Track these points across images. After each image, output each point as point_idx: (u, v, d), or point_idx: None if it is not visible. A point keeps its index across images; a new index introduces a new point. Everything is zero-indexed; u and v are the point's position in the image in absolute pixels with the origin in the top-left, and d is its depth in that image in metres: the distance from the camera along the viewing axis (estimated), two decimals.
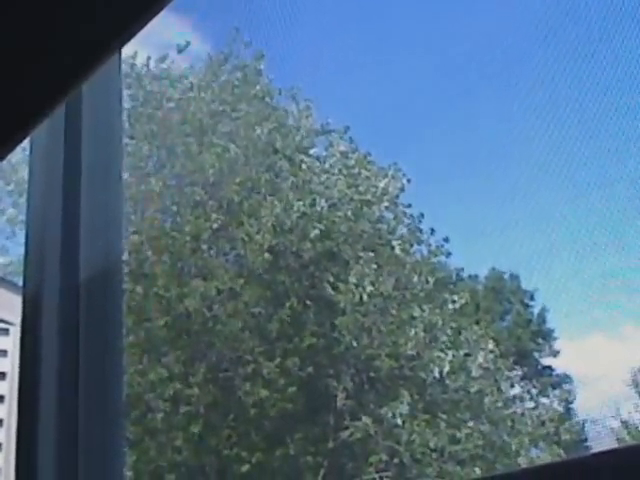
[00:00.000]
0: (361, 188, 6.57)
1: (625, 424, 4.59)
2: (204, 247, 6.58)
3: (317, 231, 6.38)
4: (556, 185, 4.36)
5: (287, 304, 6.26)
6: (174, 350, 6.22)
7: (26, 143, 2.13)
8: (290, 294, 6.37)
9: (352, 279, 6.22)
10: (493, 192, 5.54)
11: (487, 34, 5.18)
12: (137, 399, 6.07)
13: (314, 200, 6.46)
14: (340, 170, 6.66)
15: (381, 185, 6.55)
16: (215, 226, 6.51)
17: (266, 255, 6.33)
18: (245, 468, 5.95)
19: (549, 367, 6.48)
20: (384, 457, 5.86)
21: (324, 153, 6.91)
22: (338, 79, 6.46)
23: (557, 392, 6.23)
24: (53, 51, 1.38)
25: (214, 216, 6.53)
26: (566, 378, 6.24)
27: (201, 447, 6.06)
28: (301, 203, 6.41)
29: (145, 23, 1.36)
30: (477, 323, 6.32)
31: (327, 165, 6.74)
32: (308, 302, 6.36)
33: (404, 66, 5.99)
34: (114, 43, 1.38)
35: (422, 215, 6.51)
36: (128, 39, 1.40)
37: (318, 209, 6.45)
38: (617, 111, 3.28)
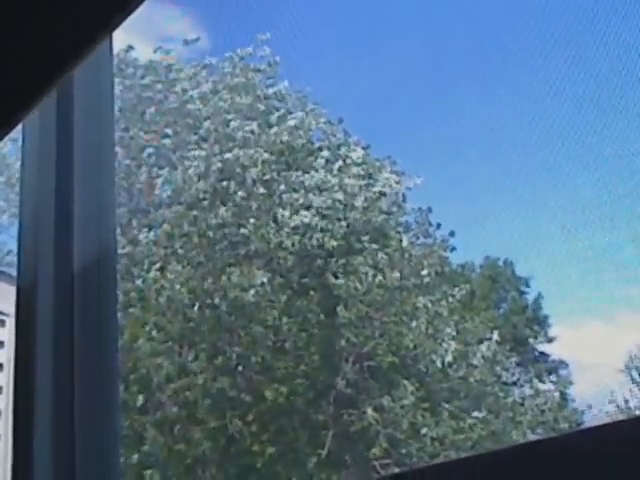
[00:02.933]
0: (366, 181, 6.60)
1: (621, 409, 4.60)
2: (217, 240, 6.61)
3: (325, 224, 6.40)
4: (546, 169, 4.37)
5: (289, 294, 6.30)
6: (189, 342, 6.28)
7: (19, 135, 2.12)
8: (295, 284, 6.40)
9: (357, 269, 6.25)
10: (484, 179, 5.55)
11: (484, 23, 5.17)
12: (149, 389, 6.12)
13: (325, 194, 6.48)
14: (346, 163, 6.68)
15: (383, 176, 6.58)
16: (228, 220, 6.55)
17: (272, 247, 6.36)
18: (246, 459, 5.97)
19: (544, 353, 6.49)
20: (384, 445, 5.88)
21: (319, 144, 6.92)
22: (336, 74, 6.46)
23: (553, 378, 6.25)
24: (41, 36, 1.37)
25: (222, 210, 6.56)
26: (562, 364, 6.25)
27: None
28: (312, 198, 6.44)
29: (136, 6, 1.35)
30: (478, 313, 6.34)
31: (332, 158, 6.75)
32: (312, 292, 6.38)
33: (401, 60, 5.99)
34: (104, 27, 1.37)
35: (430, 209, 6.54)
36: (119, 23, 1.39)
37: (328, 203, 6.47)
38: (605, 95, 3.29)
